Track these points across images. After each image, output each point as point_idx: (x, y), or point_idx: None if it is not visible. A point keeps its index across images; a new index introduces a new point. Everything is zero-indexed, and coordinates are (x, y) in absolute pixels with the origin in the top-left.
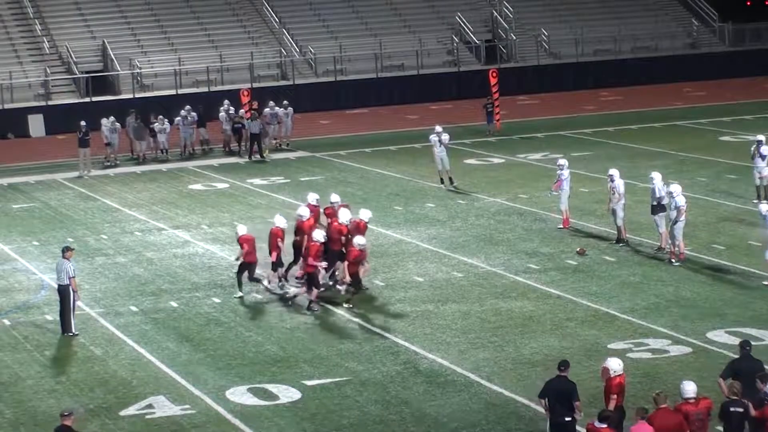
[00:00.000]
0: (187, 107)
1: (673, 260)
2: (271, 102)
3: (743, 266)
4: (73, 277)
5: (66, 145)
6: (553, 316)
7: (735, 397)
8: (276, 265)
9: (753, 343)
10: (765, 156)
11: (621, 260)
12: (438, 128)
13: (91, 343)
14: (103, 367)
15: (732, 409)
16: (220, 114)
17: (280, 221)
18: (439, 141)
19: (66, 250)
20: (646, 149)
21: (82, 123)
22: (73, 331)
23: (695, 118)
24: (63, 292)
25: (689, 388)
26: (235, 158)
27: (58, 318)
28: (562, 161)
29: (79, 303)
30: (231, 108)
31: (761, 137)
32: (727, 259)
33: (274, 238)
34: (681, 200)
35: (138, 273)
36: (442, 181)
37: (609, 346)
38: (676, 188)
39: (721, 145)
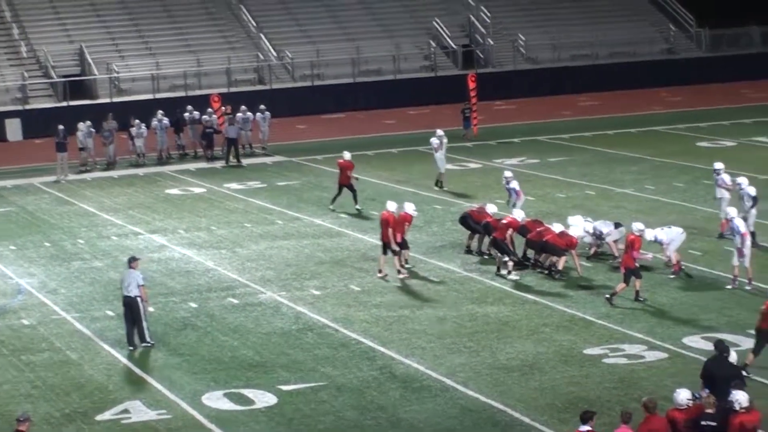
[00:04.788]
0: (161, 112)
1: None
2: (243, 107)
3: (719, 272)
4: (143, 285)
5: (43, 149)
6: (528, 321)
7: (709, 411)
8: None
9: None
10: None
11: (597, 266)
12: (439, 132)
13: (67, 347)
14: (79, 372)
15: (704, 422)
16: (186, 118)
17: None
18: (441, 144)
19: (132, 260)
20: (623, 155)
21: (60, 127)
22: (148, 339)
23: (672, 124)
24: (131, 303)
25: (682, 396)
26: (204, 163)
27: (34, 323)
28: (508, 173)
29: (150, 309)
30: (195, 112)
31: (719, 165)
32: (703, 265)
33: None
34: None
35: (114, 277)
36: (437, 184)
37: (585, 351)
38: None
39: (698, 151)
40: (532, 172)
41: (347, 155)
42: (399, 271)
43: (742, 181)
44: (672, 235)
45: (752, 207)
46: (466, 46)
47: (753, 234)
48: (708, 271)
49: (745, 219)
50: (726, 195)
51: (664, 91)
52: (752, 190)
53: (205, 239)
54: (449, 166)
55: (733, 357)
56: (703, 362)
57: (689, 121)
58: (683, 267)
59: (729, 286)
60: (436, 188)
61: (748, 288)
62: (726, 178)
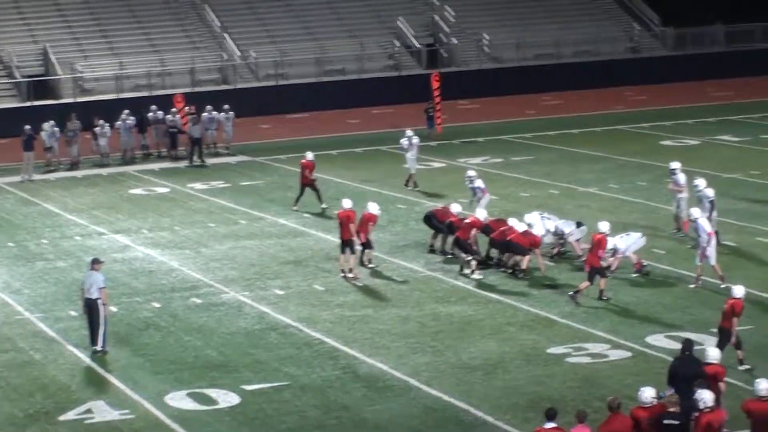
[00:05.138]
0: (126, 111)
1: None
2: (208, 106)
3: (682, 270)
4: (104, 288)
5: (7, 149)
6: (492, 320)
7: (672, 409)
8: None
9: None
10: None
11: (560, 265)
12: (409, 132)
13: (31, 347)
14: (42, 372)
15: (666, 421)
16: (150, 118)
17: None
18: (410, 144)
19: (95, 262)
20: (587, 153)
21: (27, 127)
22: (102, 345)
23: (636, 123)
24: (92, 305)
25: (647, 394)
26: (170, 163)
27: None
28: (471, 173)
29: (113, 309)
30: (159, 112)
31: (675, 164)
32: (667, 264)
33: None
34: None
35: (78, 278)
36: (407, 183)
37: (548, 350)
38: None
39: (661, 150)
40: (496, 172)
41: (310, 155)
42: (351, 270)
43: (700, 182)
44: (630, 242)
45: (712, 210)
46: (430, 46)
47: (716, 233)
48: (671, 269)
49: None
50: (685, 194)
51: (629, 90)
52: (710, 192)
53: (169, 239)
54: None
55: (715, 354)
56: (669, 361)
57: (653, 119)
58: (645, 265)
59: (692, 285)
60: (408, 188)
61: (722, 287)
62: (681, 178)
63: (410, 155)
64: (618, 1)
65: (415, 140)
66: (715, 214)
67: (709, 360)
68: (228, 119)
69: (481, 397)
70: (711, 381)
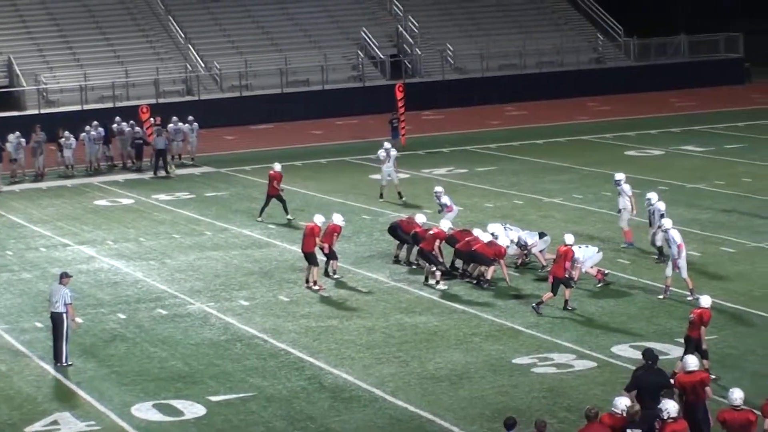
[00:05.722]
0: (94, 123)
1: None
2: (174, 117)
3: (647, 281)
4: (70, 303)
5: None
6: (457, 330)
7: (635, 419)
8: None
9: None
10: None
11: (525, 275)
12: (387, 144)
13: None
14: (8, 384)
15: (629, 431)
16: (114, 130)
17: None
18: (387, 156)
19: (64, 276)
20: (551, 164)
21: None
22: (65, 361)
23: (600, 133)
24: (57, 319)
25: (621, 402)
26: (135, 174)
27: None
28: (439, 188)
29: (79, 320)
30: (123, 123)
31: (619, 176)
32: (632, 274)
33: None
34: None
35: (43, 289)
36: (381, 196)
37: (513, 360)
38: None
39: (626, 160)
40: (460, 182)
41: (278, 166)
42: (315, 282)
43: (652, 196)
44: (588, 254)
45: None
46: (394, 56)
47: (661, 249)
48: (636, 279)
49: (654, 235)
50: (628, 206)
51: (593, 101)
52: (662, 206)
53: (134, 250)
54: (377, 176)
55: (694, 362)
56: (632, 371)
57: (617, 130)
58: (606, 273)
59: (660, 296)
60: (381, 200)
61: (689, 299)
62: (626, 188)
63: (386, 167)
64: (582, 12)
65: (393, 152)
66: None
67: (691, 368)
68: (192, 130)
69: (447, 407)
70: (698, 387)
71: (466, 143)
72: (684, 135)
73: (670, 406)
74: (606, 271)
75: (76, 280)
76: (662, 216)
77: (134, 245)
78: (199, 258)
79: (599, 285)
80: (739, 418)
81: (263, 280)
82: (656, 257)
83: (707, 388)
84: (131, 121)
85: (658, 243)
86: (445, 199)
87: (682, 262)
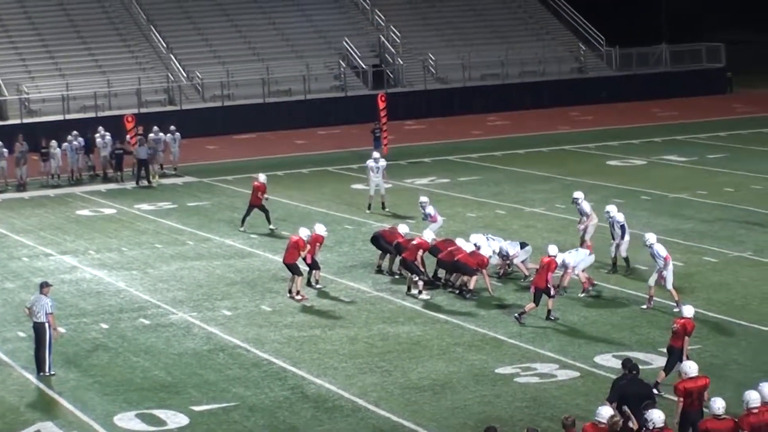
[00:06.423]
0: (74, 132)
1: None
2: (156, 127)
3: (630, 290)
4: (52, 313)
5: None
6: (440, 340)
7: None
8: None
9: (640, 367)
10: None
11: (508, 285)
12: (376, 154)
13: None
14: None
15: None
16: (97, 140)
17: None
18: (377, 168)
19: (44, 285)
20: (533, 174)
21: None
22: (48, 371)
23: (582, 143)
24: (39, 329)
25: (605, 412)
26: (115, 184)
27: None
28: (424, 199)
29: (61, 330)
30: (107, 134)
31: (578, 194)
32: (615, 284)
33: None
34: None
35: (25, 299)
36: (369, 207)
37: (496, 370)
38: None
39: (608, 170)
40: (442, 192)
41: (262, 177)
42: (298, 292)
43: (611, 209)
44: (579, 257)
45: (623, 235)
46: (376, 66)
47: (627, 260)
48: (618, 289)
49: (617, 247)
50: (594, 220)
51: (575, 110)
52: (621, 218)
53: (116, 260)
54: (359, 186)
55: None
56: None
57: (599, 140)
58: (594, 284)
59: (644, 306)
60: (368, 212)
61: (675, 310)
62: (585, 206)
63: (375, 177)
64: (564, 21)
65: (382, 163)
66: (627, 238)
67: (692, 374)
68: (174, 140)
69: (430, 417)
70: (702, 391)
71: (448, 153)
72: (666, 145)
73: (655, 417)
74: (595, 282)
75: (58, 290)
76: (622, 227)
77: (117, 255)
78: (181, 268)
79: (582, 294)
80: (722, 427)
81: (246, 290)
82: (611, 270)
83: (705, 393)
84: (108, 133)
85: (623, 254)
86: (430, 210)
87: (669, 274)
